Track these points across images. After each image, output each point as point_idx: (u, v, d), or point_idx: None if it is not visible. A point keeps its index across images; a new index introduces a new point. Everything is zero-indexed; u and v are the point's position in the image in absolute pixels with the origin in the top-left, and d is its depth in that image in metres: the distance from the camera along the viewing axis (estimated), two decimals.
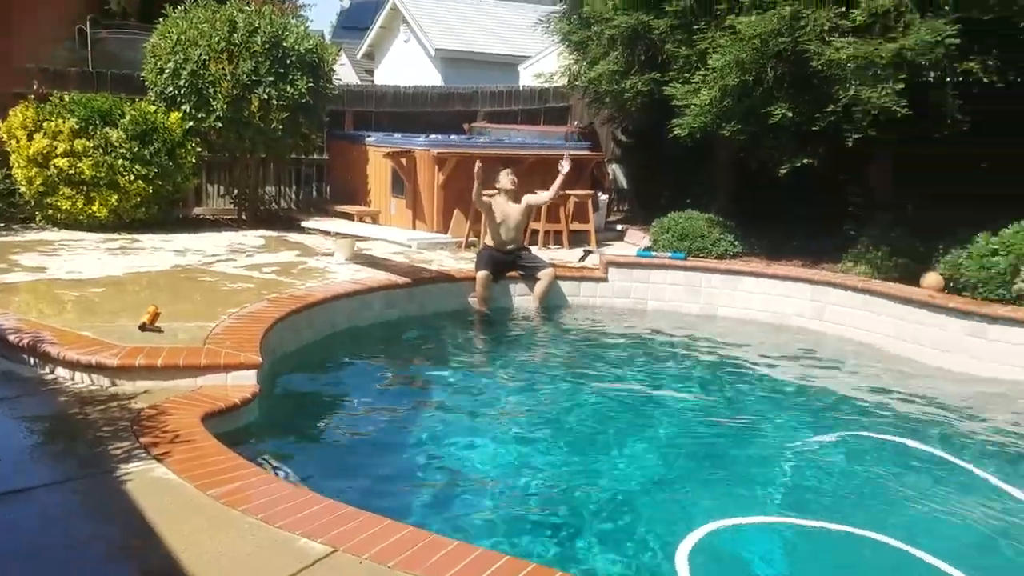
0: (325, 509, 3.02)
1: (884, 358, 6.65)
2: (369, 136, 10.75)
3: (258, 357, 4.52)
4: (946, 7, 6.48)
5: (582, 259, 8.59)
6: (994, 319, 6.20)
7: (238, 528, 2.85)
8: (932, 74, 6.59)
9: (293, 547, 2.73)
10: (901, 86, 6.49)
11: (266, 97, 9.22)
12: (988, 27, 6.47)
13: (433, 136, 10.71)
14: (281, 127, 9.43)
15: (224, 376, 4.40)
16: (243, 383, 4.38)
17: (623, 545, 3.48)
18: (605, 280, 8.02)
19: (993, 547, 3.65)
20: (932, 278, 6.81)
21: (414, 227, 9.66)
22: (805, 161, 7.53)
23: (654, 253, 8.32)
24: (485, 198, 7.71)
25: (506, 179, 7.85)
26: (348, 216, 10.00)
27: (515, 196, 7.89)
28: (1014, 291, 6.27)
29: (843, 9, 6.80)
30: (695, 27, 8.01)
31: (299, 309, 5.84)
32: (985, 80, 6.52)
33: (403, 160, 9.72)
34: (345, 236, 8.11)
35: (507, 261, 7.73)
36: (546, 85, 11.98)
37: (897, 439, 4.81)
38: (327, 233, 8.65)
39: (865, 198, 8.56)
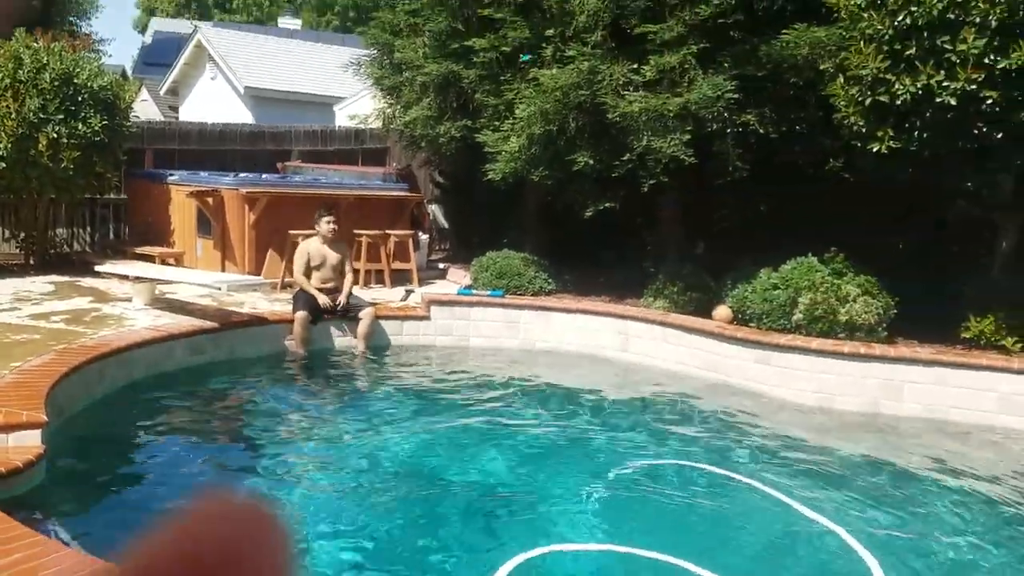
0: None
1: (683, 385, 7.12)
2: (172, 175, 10.28)
3: (43, 415, 4.19)
4: (725, 64, 7.15)
5: (404, 298, 8.62)
6: (776, 347, 6.83)
7: None
8: (715, 125, 7.22)
9: None
10: (688, 136, 7.06)
11: (55, 136, 8.62)
12: (761, 83, 7.20)
13: (243, 175, 10.41)
14: (72, 167, 8.83)
15: (5, 437, 4.03)
16: (27, 444, 4.03)
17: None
18: (428, 318, 8.07)
19: (775, 556, 3.99)
20: (722, 311, 7.39)
21: (223, 269, 9.30)
22: (607, 205, 8.00)
23: (474, 291, 8.49)
24: (300, 240, 7.58)
25: (326, 227, 7.67)
26: (149, 258, 9.46)
27: (332, 241, 7.76)
28: (794, 321, 6.93)
29: (635, 65, 7.34)
30: (502, 78, 8.34)
31: (90, 360, 5.45)
32: (760, 131, 7.22)
33: (209, 200, 9.37)
34: (144, 280, 7.67)
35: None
36: (362, 126, 12.00)
37: (690, 464, 5.14)
38: (125, 277, 8.14)
39: (659, 238, 9.19)
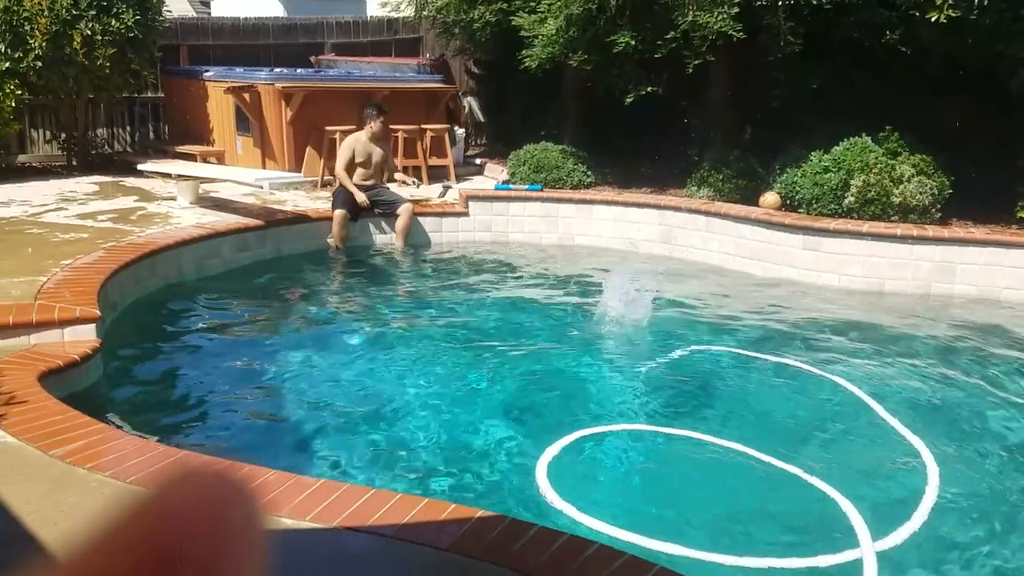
0: (179, 460, 2.92)
1: (727, 275, 7.02)
2: (207, 71, 10.15)
3: (96, 310, 4.27)
4: None
5: (442, 195, 8.54)
6: (826, 232, 6.66)
7: (85, 486, 2.71)
8: None
9: None
10: (736, 10, 6.71)
11: (89, 32, 8.51)
12: None
13: (278, 70, 10.24)
14: (108, 64, 8.76)
15: (60, 332, 4.13)
16: (81, 338, 4.13)
17: (488, 464, 3.57)
18: (466, 214, 8.01)
19: (829, 440, 3.98)
20: (770, 197, 7.20)
21: (264, 166, 9.27)
22: (649, 89, 7.71)
23: (512, 186, 8.37)
24: (338, 135, 7.52)
25: (378, 125, 7.60)
26: (190, 157, 9.46)
27: (378, 138, 7.68)
28: (845, 205, 6.73)
29: None
30: None
31: (140, 257, 5.53)
32: (814, 1, 6.82)
33: (246, 96, 9.25)
34: (188, 178, 7.69)
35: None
36: (394, 15, 11.64)
37: (739, 350, 5.12)
38: (168, 176, 8.18)
39: (705, 123, 8.89)
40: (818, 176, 6.85)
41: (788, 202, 7.11)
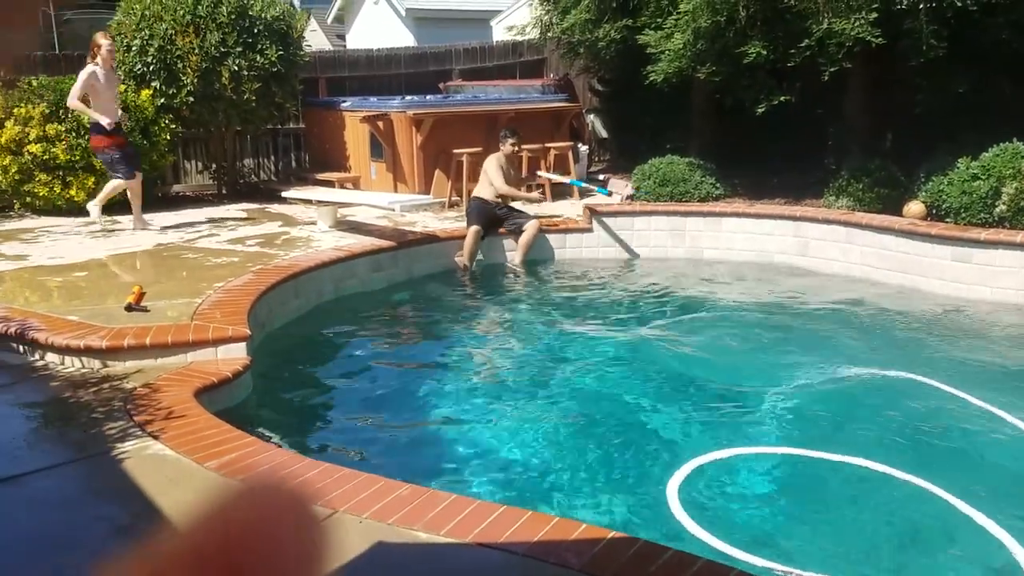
0: (323, 473, 3.05)
1: (868, 290, 6.70)
2: (344, 101, 10.64)
3: (247, 329, 4.53)
4: None
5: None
6: (977, 243, 6.25)
7: None
8: (906, 1, 6.53)
9: None
10: (875, 15, 6.44)
11: (236, 68, 9.09)
12: None
13: (409, 97, 10.60)
14: (254, 98, 9.32)
15: (214, 351, 4.41)
16: (234, 356, 4.39)
17: (619, 485, 3.54)
18: (590, 230, 8.02)
19: (989, 473, 3.71)
20: (914, 207, 6.83)
21: (395, 190, 9.61)
22: (782, 99, 7.49)
23: (582, 183, 8.93)
24: (489, 159, 7.80)
25: (510, 148, 7.87)
26: (329, 183, 9.93)
27: (511, 159, 7.90)
28: (996, 214, 6.31)
29: None
30: None
31: (285, 279, 5.83)
32: (959, 3, 6.46)
33: (380, 124, 9.64)
34: (327, 203, 8.07)
35: (497, 215, 7.73)
36: (519, 38, 11.84)
37: (894, 373, 4.85)
38: (308, 202, 8.61)
39: (842, 131, 8.55)
40: (966, 184, 6.45)
41: (934, 211, 6.73)
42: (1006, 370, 4.94)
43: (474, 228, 7.40)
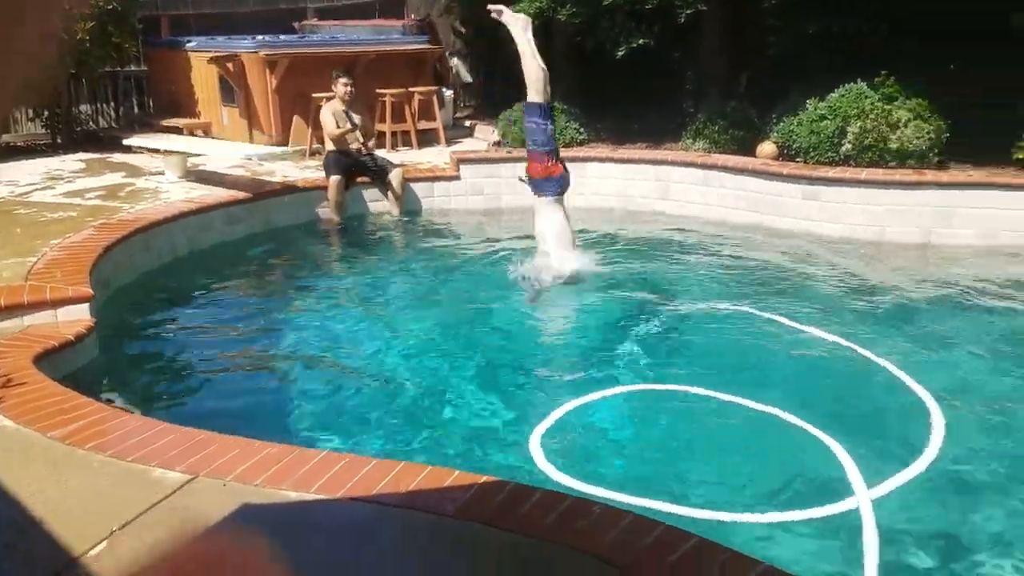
0: (180, 437, 2.87)
1: (726, 229, 6.95)
2: (189, 41, 9.97)
3: (89, 289, 4.21)
4: None
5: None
6: (825, 180, 6.58)
7: (87, 467, 2.68)
8: None
9: (149, 478, 2.59)
10: None
11: (68, 7, 8.32)
12: None
13: (260, 37, 10.04)
14: (88, 38, 8.59)
15: (53, 313, 4.08)
16: (75, 318, 4.08)
17: (486, 433, 3.54)
18: (458, 178, 7.91)
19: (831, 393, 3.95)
20: (767, 147, 7.10)
21: (251, 137, 9.15)
22: (641, 42, 7.57)
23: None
24: (324, 103, 7.41)
25: (343, 89, 7.48)
26: (177, 130, 9.32)
27: (351, 102, 7.54)
28: (842, 152, 6.65)
29: None
30: None
31: (131, 233, 5.45)
32: None
33: (230, 65, 9.10)
34: (175, 153, 7.58)
35: (359, 162, 7.46)
36: None
37: (733, 307, 5.03)
38: (155, 151, 8.06)
39: (699, 74, 8.74)
40: (814, 124, 6.75)
41: (786, 151, 7.02)
42: (842, 302, 5.25)
43: (335, 178, 7.13)
